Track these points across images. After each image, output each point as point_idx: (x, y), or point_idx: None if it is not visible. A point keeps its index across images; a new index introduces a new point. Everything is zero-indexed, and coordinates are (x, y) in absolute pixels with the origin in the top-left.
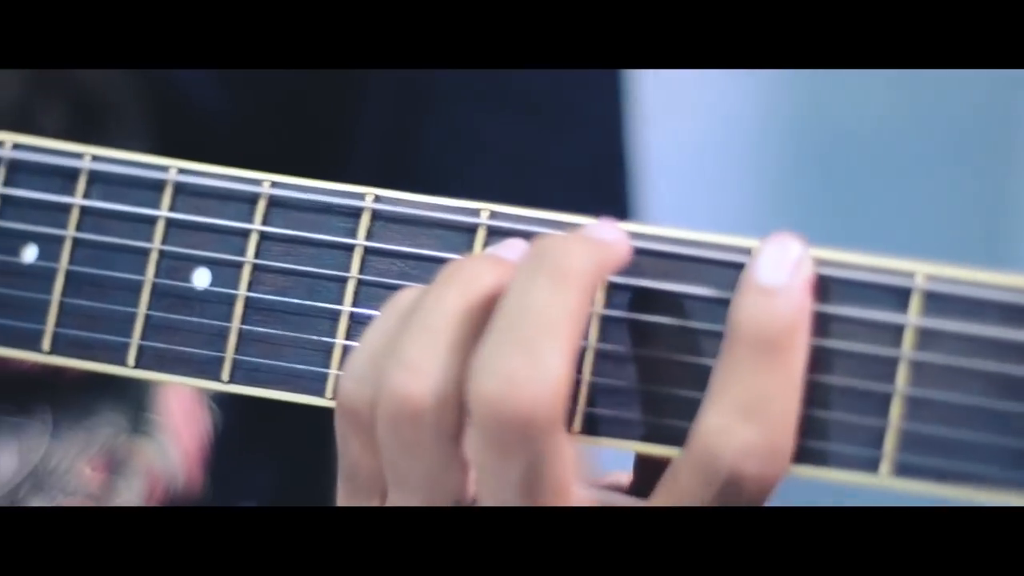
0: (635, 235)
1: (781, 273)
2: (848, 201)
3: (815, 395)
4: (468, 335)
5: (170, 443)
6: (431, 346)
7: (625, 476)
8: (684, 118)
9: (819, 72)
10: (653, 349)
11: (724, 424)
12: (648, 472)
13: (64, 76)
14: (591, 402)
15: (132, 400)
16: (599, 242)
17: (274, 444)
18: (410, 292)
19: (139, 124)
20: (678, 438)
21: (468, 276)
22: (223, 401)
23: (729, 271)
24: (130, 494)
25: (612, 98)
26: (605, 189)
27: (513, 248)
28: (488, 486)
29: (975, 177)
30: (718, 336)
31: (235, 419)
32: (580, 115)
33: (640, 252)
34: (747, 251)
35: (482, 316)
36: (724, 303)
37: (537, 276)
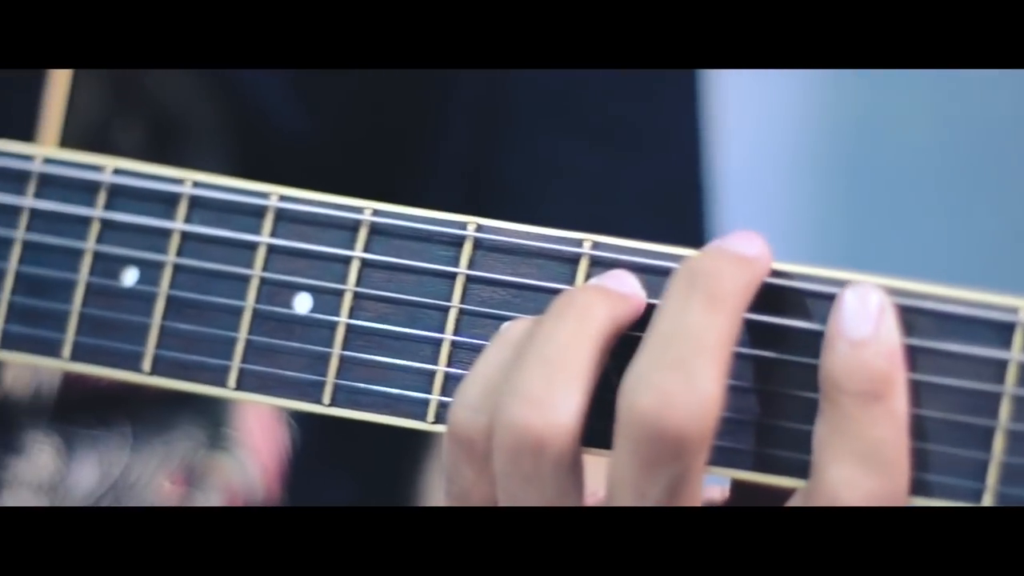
0: None
1: (867, 324)
2: (913, 218)
3: (920, 428)
4: (585, 367)
5: (249, 459)
6: (549, 378)
7: (719, 492)
8: (759, 142)
9: (893, 94)
10: (764, 382)
11: (847, 476)
12: (744, 493)
13: (143, 95)
14: None
15: (211, 415)
16: (747, 260)
17: (351, 461)
18: (521, 323)
19: (217, 143)
20: (787, 469)
21: (581, 308)
22: (301, 418)
23: (827, 303)
24: None
25: (688, 123)
26: (682, 213)
27: (618, 279)
28: (623, 500)
29: None
30: (809, 367)
31: (313, 436)
32: (656, 140)
33: None
34: (842, 283)
35: (597, 348)
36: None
37: (691, 298)
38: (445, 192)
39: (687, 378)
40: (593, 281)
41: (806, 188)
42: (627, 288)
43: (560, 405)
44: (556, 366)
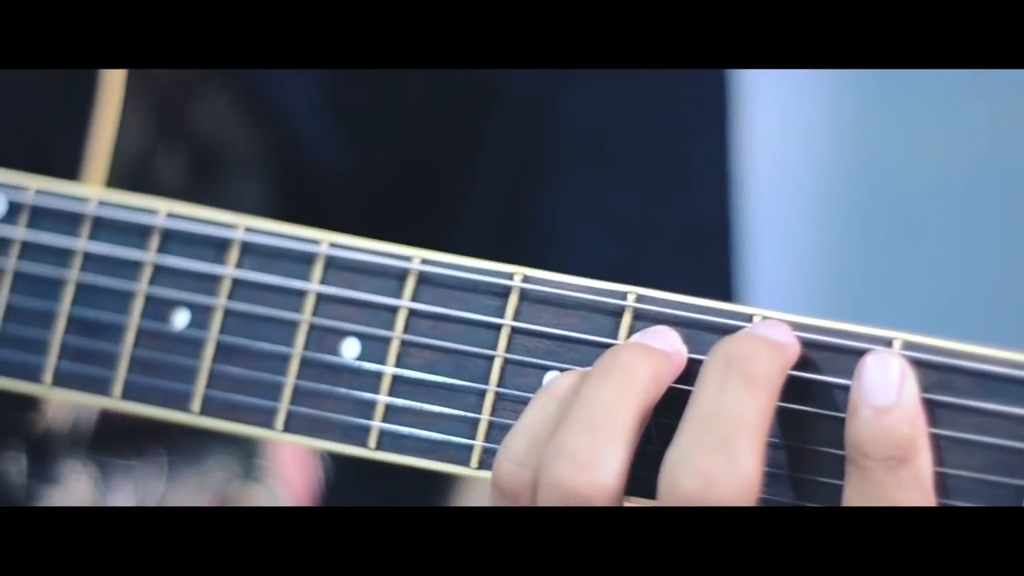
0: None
1: (890, 392)
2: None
3: (952, 486)
4: (629, 427)
5: (282, 490)
6: (594, 440)
7: None
8: (787, 183)
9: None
10: (800, 438)
11: None
12: None
13: (185, 128)
14: None
15: (245, 446)
16: (779, 345)
17: (382, 494)
18: (567, 379)
19: (257, 175)
20: None
21: (625, 368)
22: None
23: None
24: None
25: (719, 165)
26: (711, 254)
27: (661, 336)
28: None
29: None
30: None
31: (346, 469)
32: (687, 182)
33: None
34: (886, 341)
35: (641, 407)
36: None
37: (728, 379)
38: (480, 229)
39: (728, 459)
40: (636, 338)
41: (837, 233)
42: (669, 346)
43: (604, 466)
44: (601, 428)
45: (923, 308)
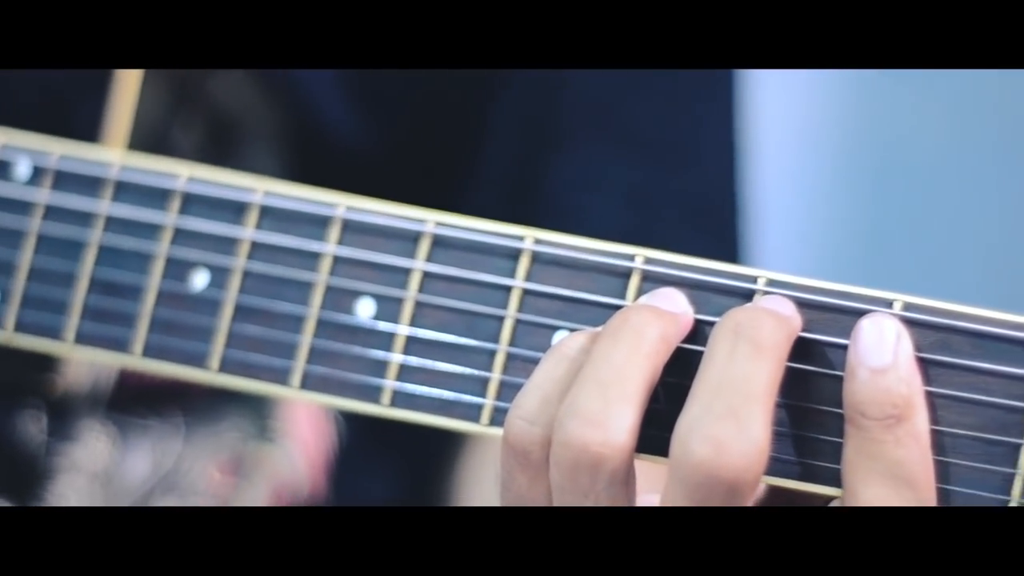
0: (781, 283)
1: (886, 353)
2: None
3: (950, 444)
4: (640, 387)
5: (296, 451)
6: (606, 399)
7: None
8: (795, 155)
9: (932, 101)
10: (805, 397)
11: (878, 496)
12: (776, 499)
13: (203, 98)
14: None
15: (260, 408)
16: (784, 317)
17: (394, 455)
18: (577, 339)
19: (274, 145)
20: (826, 478)
21: (635, 329)
22: (347, 412)
23: None
24: (255, 498)
25: (727, 136)
26: (720, 225)
27: (668, 297)
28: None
29: None
30: None
31: (359, 430)
32: (696, 153)
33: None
34: (887, 302)
35: (651, 367)
36: None
37: (737, 348)
38: (490, 201)
39: (739, 426)
40: (644, 299)
41: (842, 201)
42: (677, 307)
43: (616, 425)
44: (612, 387)
45: (926, 277)
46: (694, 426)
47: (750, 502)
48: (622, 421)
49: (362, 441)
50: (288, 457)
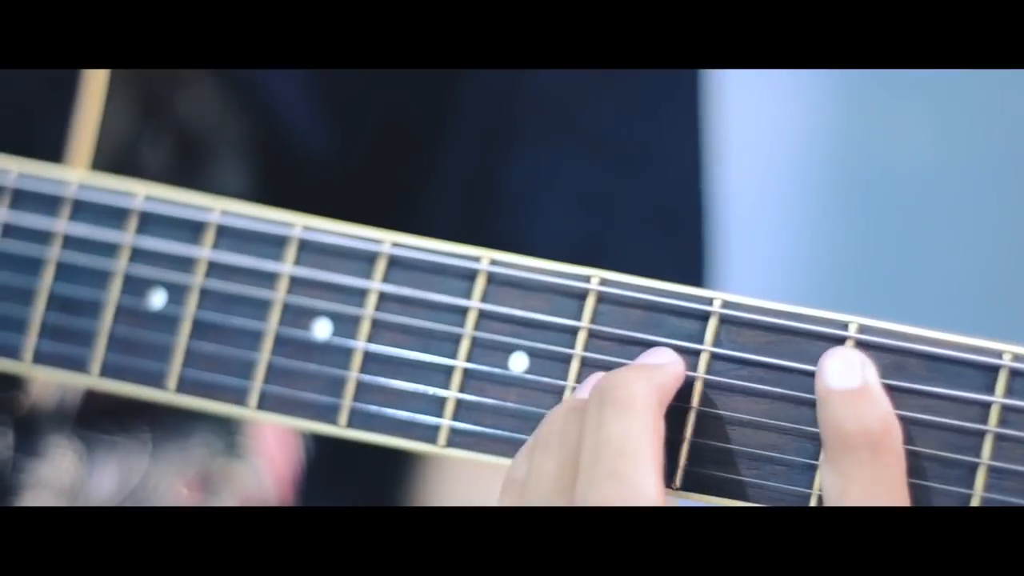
0: (736, 305)
1: (854, 377)
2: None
3: (909, 465)
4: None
5: (263, 467)
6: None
7: None
8: (760, 159)
9: (896, 108)
10: (752, 414)
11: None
12: None
13: (170, 114)
14: (691, 460)
15: (228, 424)
16: (650, 367)
17: (361, 471)
18: (521, 462)
19: (241, 158)
20: (773, 500)
21: (560, 434)
22: None
23: (824, 343)
24: None
25: (690, 140)
26: (681, 229)
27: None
28: None
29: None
30: (814, 405)
31: (326, 447)
32: (657, 157)
33: (743, 323)
34: (842, 324)
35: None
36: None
37: (604, 412)
38: (450, 204)
39: (621, 485)
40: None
41: (806, 212)
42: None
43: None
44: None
45: (889, 284)
46: (583, 499)
47: None
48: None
49: (329, 457)
50: (255, 473)
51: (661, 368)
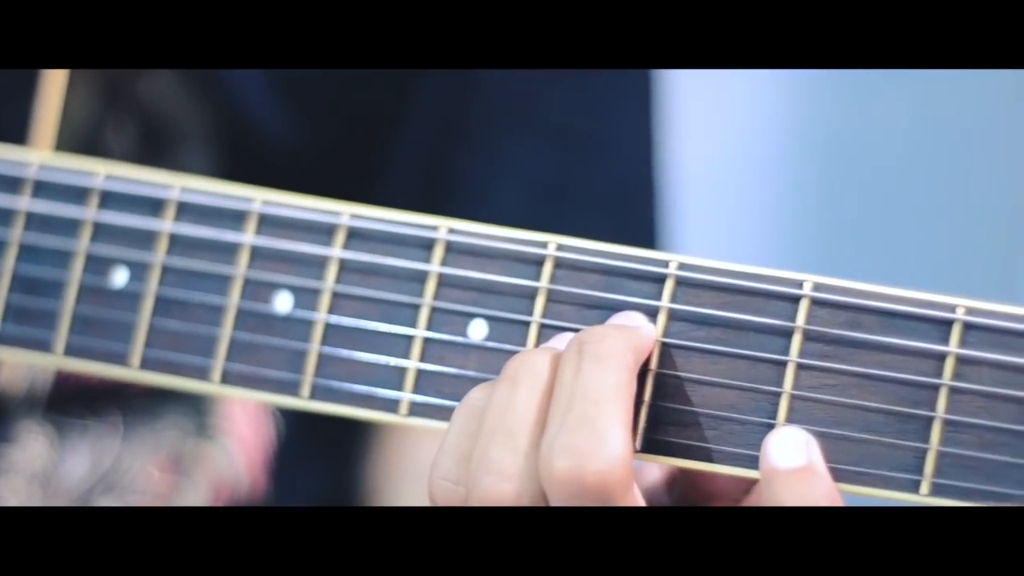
0: (693, 267)
1: (799, 456)
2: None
3: (864, 421)
4: (542, 430)
5: (235, 448)
6: (511, 448)
7: (658, 470)
8: (712, 143)
9: (849, 93)
10: (709, 374)
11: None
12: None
13: (134, 99)
14: (649, 424)
15: (199, 406)
16: (627, 328)
17: (333, 450)
18: (481, 390)
19: (204, 144)
20: (731, 460)
21: (531, 372)
22: (286, 410)
23: (779, 302)
24: (196, 496)
25: (643, 127)
26: (633, 215)
27: (566, 340)
28: None
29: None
30: (771, 363)
31: (297, 427)
32: (610, 143)
33: (699, 284)
34: (797, 283)
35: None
36: (776, 331)
37: (581, 364)
38: (404, 191)
39: (593, 433)
40: (544, 345)
41: (758, 189)
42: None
43: (523, 472)
44: (515, 435)
45: (845, 268)
46: (553, 443)
47: (629, 501)
48: (530, 468)
49: (301, 436)
50: (227, 454)
51: (636, 330)
